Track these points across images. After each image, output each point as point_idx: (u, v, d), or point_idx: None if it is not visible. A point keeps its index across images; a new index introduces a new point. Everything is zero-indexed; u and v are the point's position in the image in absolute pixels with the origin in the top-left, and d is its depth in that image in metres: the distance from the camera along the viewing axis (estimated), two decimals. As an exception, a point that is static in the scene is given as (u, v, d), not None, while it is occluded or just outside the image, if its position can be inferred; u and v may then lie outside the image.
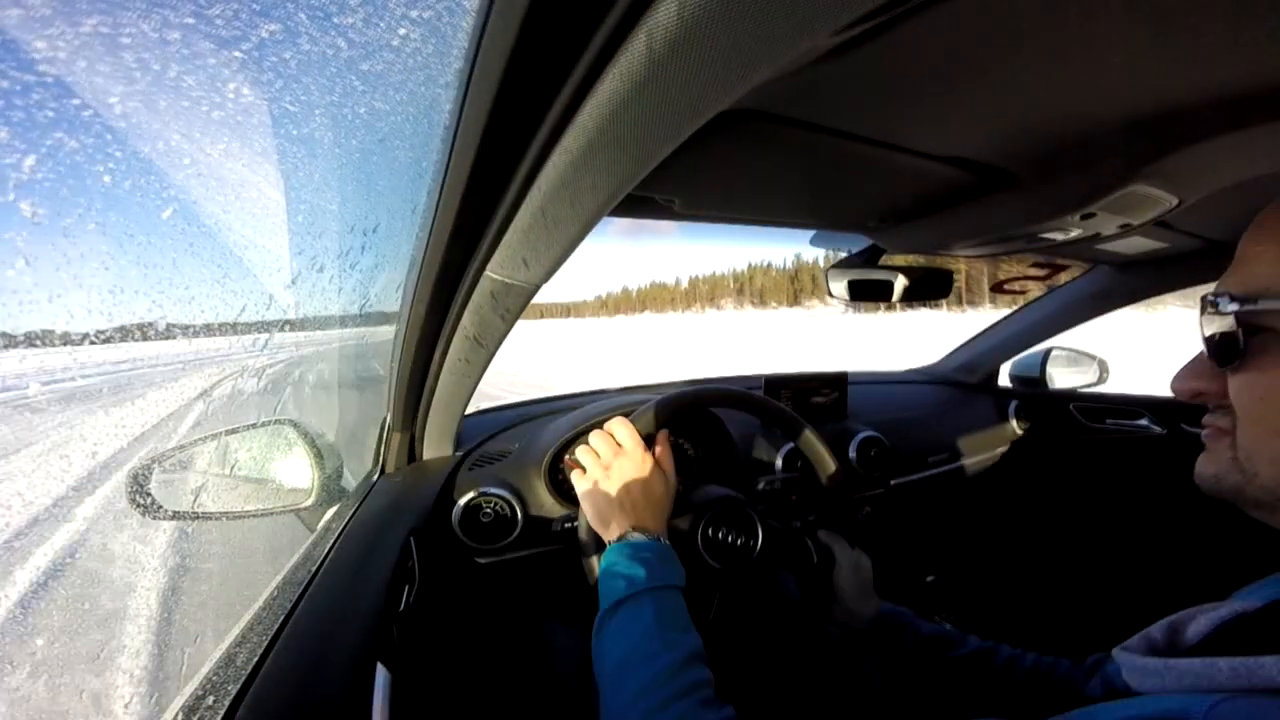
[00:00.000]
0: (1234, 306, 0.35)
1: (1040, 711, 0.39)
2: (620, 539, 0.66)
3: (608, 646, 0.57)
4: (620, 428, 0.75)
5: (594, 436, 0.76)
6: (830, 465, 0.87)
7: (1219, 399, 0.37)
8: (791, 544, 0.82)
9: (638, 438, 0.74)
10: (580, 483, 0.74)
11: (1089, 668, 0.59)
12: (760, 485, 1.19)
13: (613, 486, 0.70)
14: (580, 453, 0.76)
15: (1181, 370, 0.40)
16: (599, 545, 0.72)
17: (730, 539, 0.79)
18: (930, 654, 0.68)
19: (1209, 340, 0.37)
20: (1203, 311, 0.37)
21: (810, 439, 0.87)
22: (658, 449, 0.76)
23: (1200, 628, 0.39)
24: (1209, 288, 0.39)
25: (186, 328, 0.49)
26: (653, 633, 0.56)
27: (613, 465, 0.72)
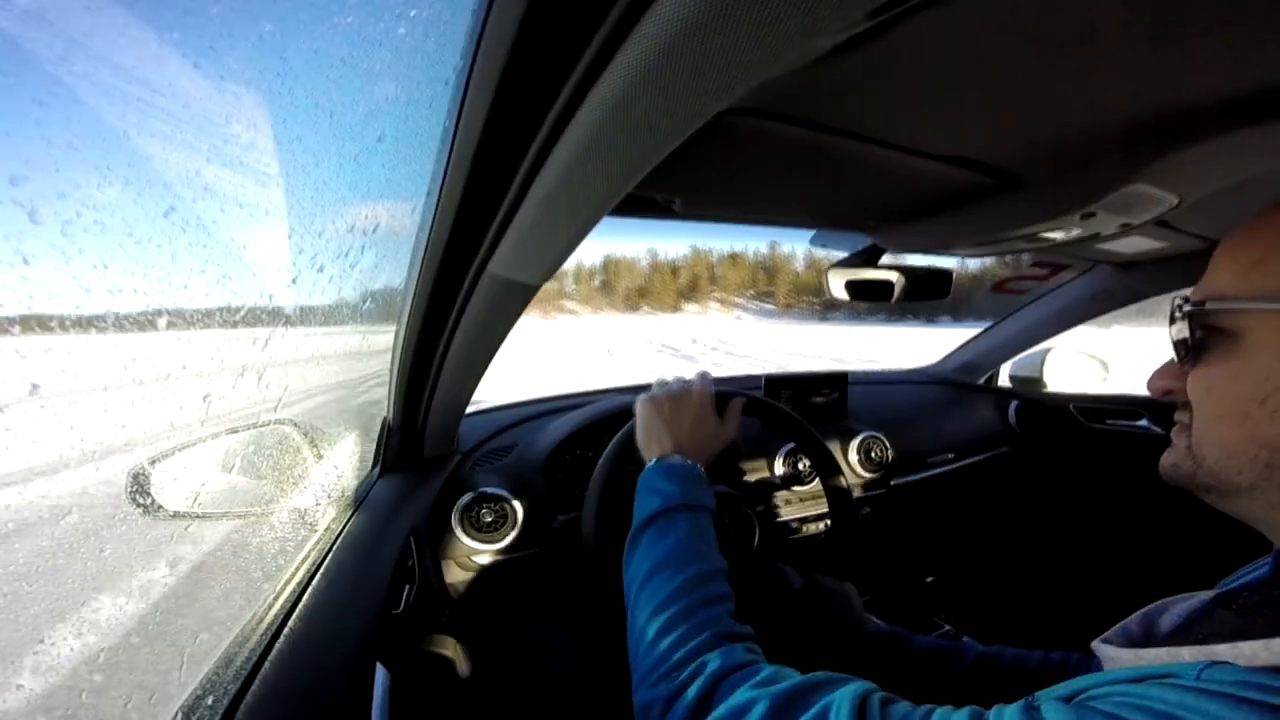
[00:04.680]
0: (1189, 309, 0.39)
1: None
2: (660, 458, 0.69)
3: (639, 557, 0.59)
4: (699, 379, 0.80)
5: (675, 379, 0.81)
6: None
7: (1184, 395, 0.41)
8: (766, 576, 0.83)
9: (710, 390, 0.78)
10: (641, 408, 0.77)
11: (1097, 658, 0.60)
12: (756, 480, 1.19)
13: (667, 413, 0.75)
14: (656, 383, 0.80)
15: (1155, 371, 0.44)
16: (602, 544, 0.73)
17: (729, 532, 0.81)
18: (932, 668, 0.68)
19: (1174, 341, 0.41)
20: (1171, 316, 0.41)
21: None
22: (726, 412, 0.81)
23: (1173, 618, 0.41)
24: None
25: (187, 327, 0.49)
26: (685, 545, 0.58)
27: (677, 397, 0.76)
